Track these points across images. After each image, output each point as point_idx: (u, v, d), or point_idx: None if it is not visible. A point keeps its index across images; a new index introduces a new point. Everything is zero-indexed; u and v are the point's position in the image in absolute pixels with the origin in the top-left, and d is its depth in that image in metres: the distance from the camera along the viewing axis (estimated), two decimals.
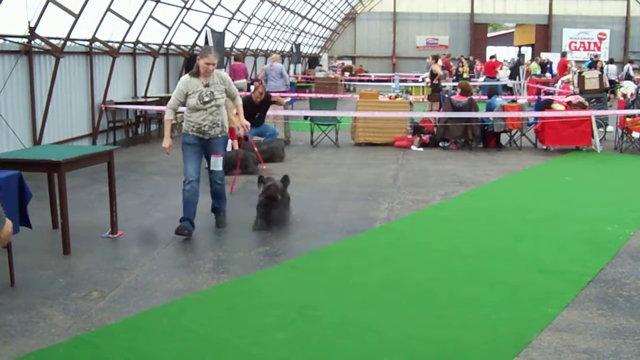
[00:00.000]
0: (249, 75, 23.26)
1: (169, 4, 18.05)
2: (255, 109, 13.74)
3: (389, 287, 6.48)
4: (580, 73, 17.75)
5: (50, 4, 12.38)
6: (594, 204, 10.09)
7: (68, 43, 13.59)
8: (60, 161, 7.19)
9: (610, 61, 31.71)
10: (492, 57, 35.37)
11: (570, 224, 8.86)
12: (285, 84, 21.29)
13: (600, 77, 17.39)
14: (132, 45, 17.21)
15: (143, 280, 6.58)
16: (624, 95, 17.82)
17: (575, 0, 44.75)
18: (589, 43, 44.81)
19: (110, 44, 15.69)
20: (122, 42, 16.19)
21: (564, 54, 31.35)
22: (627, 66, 32.78)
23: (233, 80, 22.91)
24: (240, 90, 21.39)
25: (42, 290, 6.25)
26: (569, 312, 5.81)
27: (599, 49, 43.90)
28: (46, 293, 6.17)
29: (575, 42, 44.93)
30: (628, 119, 15.25)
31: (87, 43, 14.76)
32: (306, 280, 6.65)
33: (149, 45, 18.10)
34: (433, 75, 22.21)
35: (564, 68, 27.53)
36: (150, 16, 17.25)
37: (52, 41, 13.05)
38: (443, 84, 26.45)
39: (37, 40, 12.67)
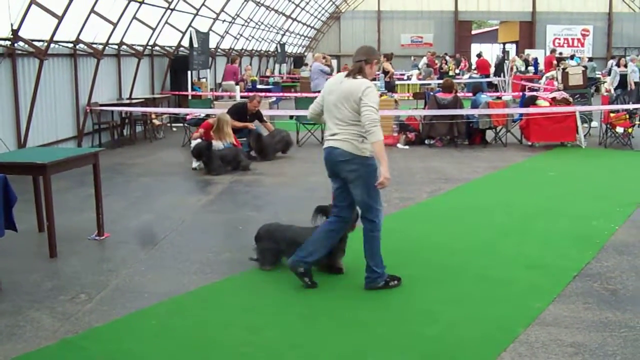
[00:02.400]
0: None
1: (152, 5, 18.01)
2: (245, 116, 14.04)
3: None
4: (564, 69, 17.84)
5: (33, 5, 12.33)
6: (579, 199, 10.15)
7: (52, 45, 13.54)
8: (45, 164, 7.17)
9: (571, 57, 31.70)
10: (478, 55, 35.49)
11: (555, 219, 8.90)
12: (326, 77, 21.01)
13: (584, 73, 17.49)
14: (116, 47, 17.17)
15: (130, 282, 6.57)
16: (608, 91, 17.94)
17: None
18: (573, 39, 44.98)
19: (94, 45, 15.65)
20: (106, 44, 16.15)
21: (552, 51, 31.48)
22: (611, 62, 32.91)
23: (223, 81, 22.67)
24: (225, 91, 21.42)
25: (28, 293, 6.22)
26: (556, 306, 5.85)
27: (582, 45, 44.11)
28: (33, 296, 6.14)
29: (559, 39, 45.08)
30: (612, 114, 15.34)
31: (71, 45, 14.72)
32: (294, 279, 6.63)
33: (134, 47, 18.05)
34: (385, 73, 22.38)
35: (550, 64, 27.66)
36: (134, 17, 17.22)
37: (35, 43, 13.00)
38: (428, 81, 26.58)
39: (21, 43, 12.62)
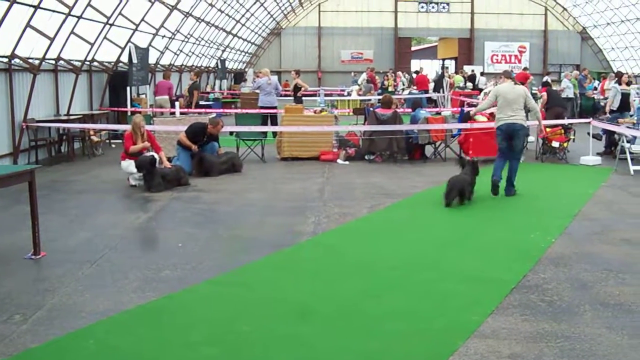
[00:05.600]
0: (175, 91, 22.97)
1: (90, 20, 17.79)
2: (202, 137, 14.04)
3: (318, 301, 6.49)
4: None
5: None
6: (517, 212, 10.33)
7: None
8: None
9: (481, 74, 31.65)
10: (416, 72, 35.91)
11: (494, 232, 9.05)
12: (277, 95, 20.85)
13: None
14: (53, 62, 16.88)
15: (68, 301, 6.44)
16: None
17: (496, 14, 45.77)
18: (510, 56, 45.88)
19: (30, 60, 15.36)
20: (43, 59, 15.88)
21: (525, 69, 31.93)
22: (546, 78, 33.61)
23: (156, 96, 22.43)
24: (160, 107, 21.26)
25: None
26: (494, 318, 5.93)
27: (519, 61, 44.97)
28: None
29: (497, 55, 45.93)
30: (548, 129, 15.66)
31: (5, 59, 14.42)
32: (234, 296, 6.61)
33: (71, 62, 17.79)
34: (296, 89, 22.56)
35: (526, 79, 27.92)
36: (72, 32, 16.97)
37: None
38: (368, 97, 26.78)
39: None
